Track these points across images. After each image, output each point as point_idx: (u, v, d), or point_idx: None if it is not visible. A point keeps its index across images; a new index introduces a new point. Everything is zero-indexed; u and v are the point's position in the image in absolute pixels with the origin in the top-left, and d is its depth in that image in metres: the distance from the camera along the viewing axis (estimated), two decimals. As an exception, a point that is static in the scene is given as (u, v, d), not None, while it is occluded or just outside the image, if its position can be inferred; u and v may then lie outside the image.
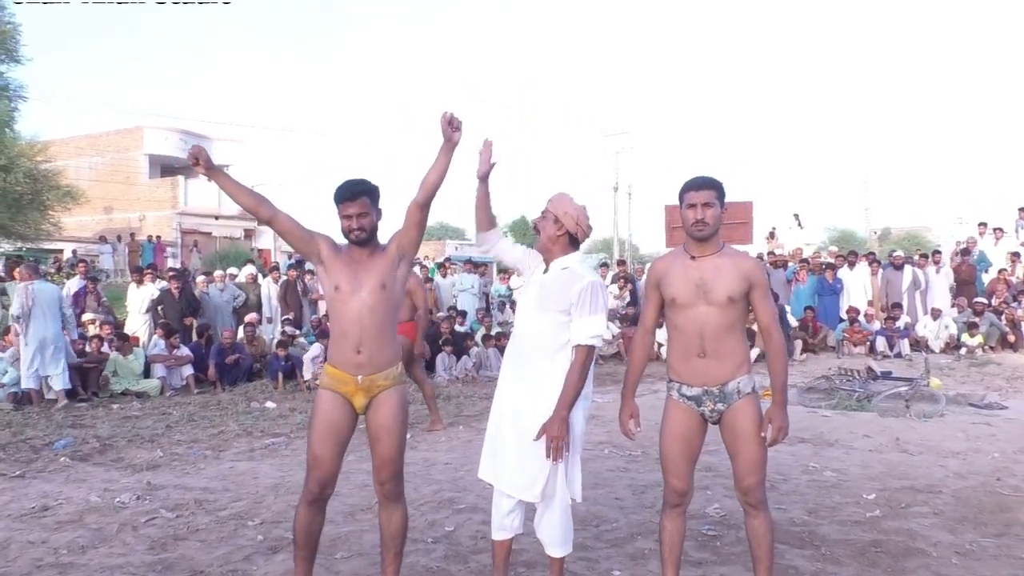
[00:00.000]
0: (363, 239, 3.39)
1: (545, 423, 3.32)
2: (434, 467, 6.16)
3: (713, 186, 3.31)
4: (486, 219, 3.78)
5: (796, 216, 22.08)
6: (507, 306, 15.39)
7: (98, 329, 11.57)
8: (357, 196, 3.37)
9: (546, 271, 3.56)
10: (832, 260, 16.07)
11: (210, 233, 33.10)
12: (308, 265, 16.44)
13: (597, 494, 5.34)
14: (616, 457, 6.44)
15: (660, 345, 10.79)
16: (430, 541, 4.43)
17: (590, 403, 3.57)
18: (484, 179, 3.72)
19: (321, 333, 11.53)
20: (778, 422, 3.30)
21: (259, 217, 3.46)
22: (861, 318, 14.06)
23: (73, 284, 13.13)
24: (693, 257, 3.31)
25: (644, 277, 3.46)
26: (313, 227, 3.50)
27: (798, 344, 13.01)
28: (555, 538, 3.48)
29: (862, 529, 4.53)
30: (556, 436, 3.29)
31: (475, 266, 16.32)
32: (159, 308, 12.07)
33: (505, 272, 17.70)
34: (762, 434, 3.30)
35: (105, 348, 10.71)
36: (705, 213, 3.25)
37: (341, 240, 3.51)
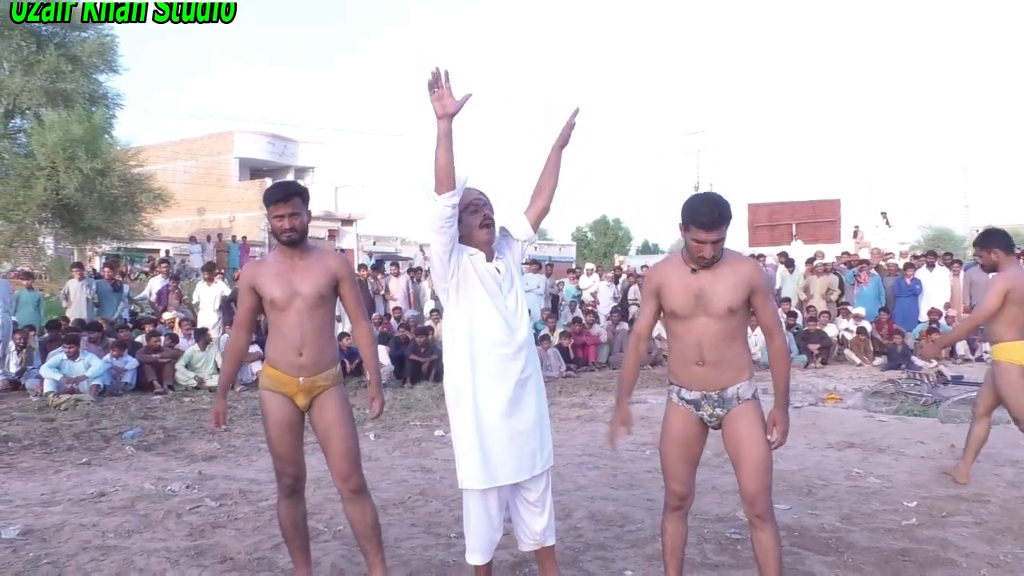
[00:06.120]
0: (295, 239, 3.48)
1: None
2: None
3: (725, 222, 3.11)
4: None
5: (884, 214, 21.39)
6: (577, 306, 15.30)
7: (177, 326, 12.17)
8: (289, 197, 3.46)
9: (491, 259, 3.47)
10: (910, 261, 15.46)
11: (296, 233, 33.98)
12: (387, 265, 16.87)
13: (630, 495, 5.34)
14: (657, 459, 6.37)
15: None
16: (453, 536, 4.52)
17: None
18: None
19: (381, 335, 11.88)
20: (781, 425, 3.27)
21: None
22: (942, 320, 13.47)
23: (156, 283, 13.81)
24: (693, 269, 3.23)
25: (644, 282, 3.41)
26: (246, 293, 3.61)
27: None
28: (553, 518, 3.60)
29: (893, 537, 4.41)
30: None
31: (539, 266, 16.15)
32: (231, 304, 12.56)
33: (573, 271, 17.57)
34: (768, 437, 3.26)
35: (181, 343, 11.27)
36: (715, 249, 3.12)
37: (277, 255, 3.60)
